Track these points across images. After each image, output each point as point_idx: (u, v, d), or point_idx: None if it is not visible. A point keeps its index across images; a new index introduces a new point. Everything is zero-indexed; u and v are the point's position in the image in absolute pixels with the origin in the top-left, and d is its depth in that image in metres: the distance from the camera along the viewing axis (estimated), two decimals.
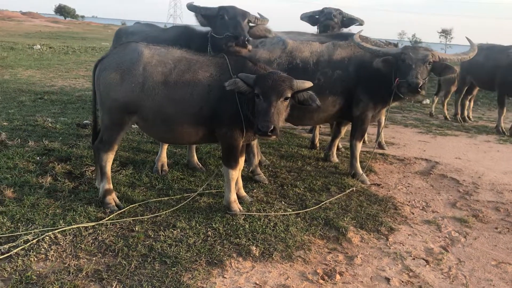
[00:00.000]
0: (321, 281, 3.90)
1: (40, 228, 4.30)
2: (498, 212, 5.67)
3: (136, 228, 4.49)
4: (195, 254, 4.09)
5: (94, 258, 3.93)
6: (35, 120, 8.23)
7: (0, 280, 3.54)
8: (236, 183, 5.18)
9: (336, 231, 4.79)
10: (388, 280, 4.01)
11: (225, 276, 3.86)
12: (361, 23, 8.47)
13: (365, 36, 6.32)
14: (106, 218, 4.60)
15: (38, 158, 6.14)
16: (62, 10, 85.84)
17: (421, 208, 5.66)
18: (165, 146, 6.21)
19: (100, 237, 4.26)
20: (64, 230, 4.29)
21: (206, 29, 5.93)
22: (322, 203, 5.41)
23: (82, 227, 4.38)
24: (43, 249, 3.98)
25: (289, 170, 6.60)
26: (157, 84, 4.64)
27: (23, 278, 3.56)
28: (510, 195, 6.22)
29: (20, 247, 3.94)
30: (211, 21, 5.78)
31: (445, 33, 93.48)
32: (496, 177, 6.96)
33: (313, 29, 8.63)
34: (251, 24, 5.81)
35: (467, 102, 11.65)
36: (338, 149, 7.67)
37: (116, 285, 3.60)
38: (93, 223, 4.48)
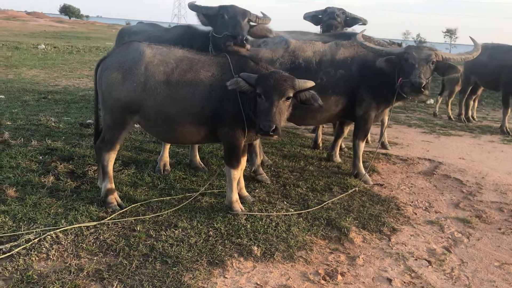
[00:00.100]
0: (322, 281, 3.88)
1: (41, 228, 4.30)
2: (501, 212, 5.63)
3: (138, 228, 4.48)
4: (196, 254, 4.09)
5: (95, 258, 3.93)
6: (38, 119, 8.26)
7: (1, 279, 3.55)
8: (238, 183, 5.17)
9: (338, 231, 4.77)
10: (390, 281, 3.99)
11: (226, 276, 3.85)
12: (364, 22, 8.44)
13: (368, 36, 6.30)
14: (108, 218, 4.60)
15: (40, 157, 6.15)
16: (67, 10, 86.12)
17: (424, 208, 5.63)
18: (168, 146, 6.21)
19: (101, 237, 4.26)
20: (66, 230, 4.29)
21: (209, 28, 5.93)
22: (324, 203, 5.39)
23: (83, 226, 4.39)
24: (44, 248, 3.98)
25: (292, 170, 6.59)
26: (159, 83, 4.63)
27: (24, 277, 3.56)
28: None
29: (22, 247, 3.95)
30: (212, 20, 5.78)
31: (450, 33, 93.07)
32: (500, 177, 6.91)
33: (316, 29, 8.61)
34: (252, 23, 5.79)
35: (472, 102, 11.59)
36: (341, 149, 7.64)
37: (117, 284, 3.59)
38: (94, 223, 4.48)
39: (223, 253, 4.13)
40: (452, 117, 11.56)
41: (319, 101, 4.55)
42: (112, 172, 5.02)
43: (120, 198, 5.04)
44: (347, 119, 6.72)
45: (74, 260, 3.87)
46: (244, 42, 5.37)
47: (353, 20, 8.47)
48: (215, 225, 4.64)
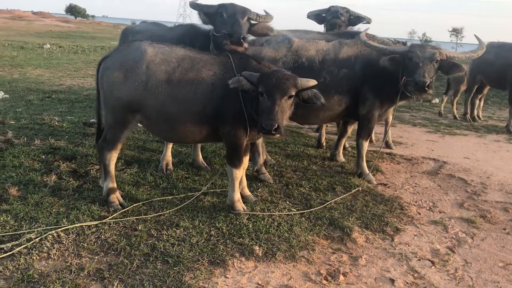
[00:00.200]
0: (324, 281, 3.85)
1: (43, 227, 4.30)
2: (506, 212, 5.57)
3: (139, 227, 4.47)
4: (197, 253, 4.07)
5: (96, 257, 3.92)
6: (42, 118, 8.27)
7: (2, 278, 3.54)
8: (240, 182, 5.15)
9: (340, 231, 4.74)
10: (392, 281, 3.95)
11: (227, 276, 3.83)
12: (368, 21, 8.40)
13: (372, 34, 6.25)
14: (109, 217, 4.59)
15: (43, 156, 6.16)
16: (72, 10, 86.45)
17: (428, 208, 5.58)
18: (170, 145, 6.20)
19: (102, 236, 4.25)
20: (67, 229, 4.29)
21: (210, 27, 5.91)
22: (327, 203, 5.35)
23: (85, 225, 4.38)
24: (45, 247, 3.97)
25: (295, 170, 6.56)
26: (161, 82, 4.61)
27: (25, 276, 3.55)
28: None
29: (23, 246, 3.94)
30: (212, 19, 5.76)
31: (456, 32, 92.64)
32: (505, 177, 6.85)
33: (320, 28, 8.59)
34: (252, 22, 5.75)
35: (477, 101, 11.50)
36: (344, 148, 7.61)
37: (117, 284, 3.58)
38: (96, 222, 4.47)
39: (224, 253, 4.11)
40: (457, 116, 11.48)
41: (321, 100, 4.51)
42: (114, 171, 5.01)
43: (122, 197, 5.03)
44: (351, 118, 6.68)
45: (75, 259, 3.86)
46: (242, 40, 5.33)
47: (357, 19, 8.43)
48: (217, 224, 4.62)
